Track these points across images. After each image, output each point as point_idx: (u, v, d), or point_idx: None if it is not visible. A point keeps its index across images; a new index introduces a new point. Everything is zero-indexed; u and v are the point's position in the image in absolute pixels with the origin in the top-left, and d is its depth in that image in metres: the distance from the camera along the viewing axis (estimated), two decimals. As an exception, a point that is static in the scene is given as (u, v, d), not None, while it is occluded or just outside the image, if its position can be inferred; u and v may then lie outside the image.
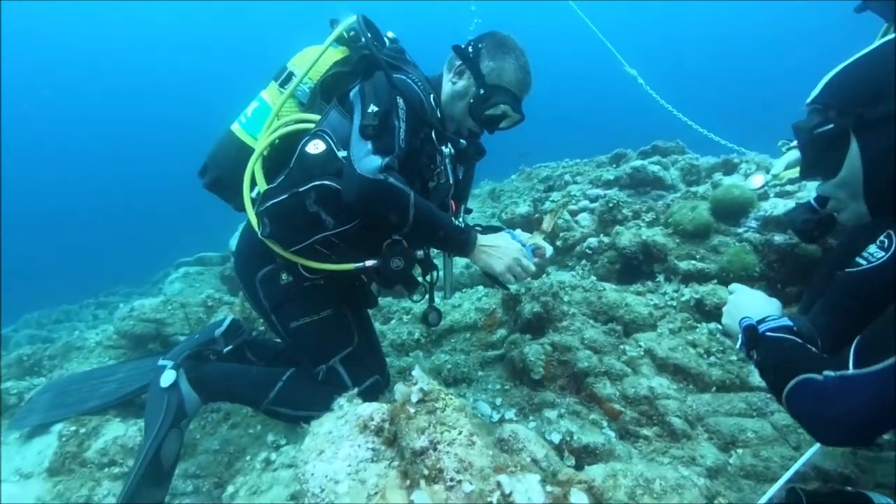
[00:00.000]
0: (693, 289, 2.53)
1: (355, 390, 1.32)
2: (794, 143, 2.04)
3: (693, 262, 2.64)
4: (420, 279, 2.11)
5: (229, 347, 2.21)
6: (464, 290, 3.62)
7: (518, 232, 1.89)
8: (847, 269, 1.24)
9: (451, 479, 0.94)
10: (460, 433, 1.03)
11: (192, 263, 5.73)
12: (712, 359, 2.14)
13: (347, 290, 2.03)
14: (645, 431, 1.90)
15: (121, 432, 1.92)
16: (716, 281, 2.49)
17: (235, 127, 1.98)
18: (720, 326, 2.28)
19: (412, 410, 1.09)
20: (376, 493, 0.98)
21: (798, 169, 1.99)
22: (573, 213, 3.44)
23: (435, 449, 1.00)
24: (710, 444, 1.82)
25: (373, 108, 1.66)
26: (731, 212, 2.76)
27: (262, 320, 2.51)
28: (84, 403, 2.12)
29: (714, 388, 2.06)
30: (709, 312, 2.37)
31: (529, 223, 3.58)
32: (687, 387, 2.09)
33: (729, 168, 3.55)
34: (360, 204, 1.60)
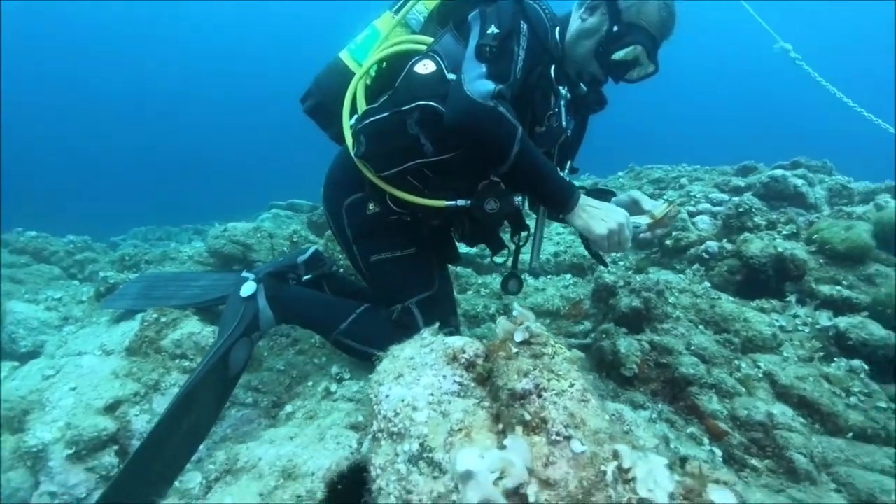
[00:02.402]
0: (829, 317, 2.13)
1: (437, 325, 1.17)
2: None
3: (839, 287, 2.22)
4: (507, 241, 1.94)
5: (308, 276, 2.18)
6: (549, 276, 3.39)
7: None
8: None
9: (558, 434, 0.75)
10: (572, 385, 0.83)
11: (284, 207, 5.97)
12: (853, 399, 1.76)
13: (432, 237, 1.90)
14: (755, 462, 1.60)
15: (197, 329, 1.92)
16: (866, 314, 2.07)
17: (343, 53, 1.90)
18: (866, 367, 1.90)
19: (514, 350, 0.92)
20: (460, 430, 0.82)
21: None
22: (691, 215, 3.07)
23: (540, 395, 0.81)
24: (841, 497, 1.49)
25: (493, 30, 1.50)
26: (899, 238, 2.30)
27: (343, 256, 2.46)
28: (169, 300, 2.16)
29: (850, 435, 1.69)
30: (852, 348, 1.97)
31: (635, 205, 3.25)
32: (813, 425, 1.74)
33: (896, 194, 3.01)
34: (463, 128, 1.45)
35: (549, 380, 0.84)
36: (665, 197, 3.66)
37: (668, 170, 4.80)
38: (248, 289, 1.88)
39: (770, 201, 3.22)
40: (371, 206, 1.82)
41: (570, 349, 0.93)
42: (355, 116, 1.74)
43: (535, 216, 1.87)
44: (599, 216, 1.52)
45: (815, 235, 2.40)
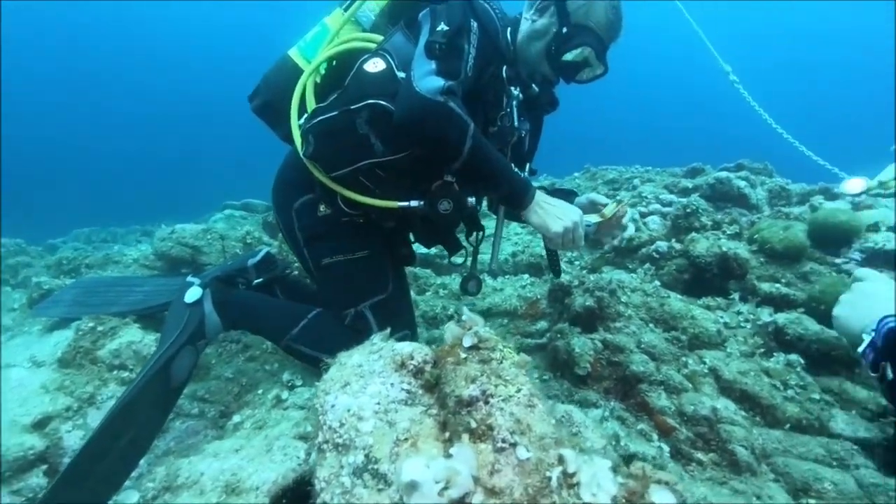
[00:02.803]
0: (769, 313, 2.24)
1: (388, 331, 1.14)
2: None
3: (777, 285, 2.33)
4: (464, 242, 1.94)
5: (260, 280, 2.11)
6: (507, 276, 3.42)
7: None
8: None
9: (504, 441, 0.75)
10: (519, 390, 0.83)
11: (238, 207, 5.78)
12: (790, 392, 1.85)
13: (386, 239, 1.88)
14: (700, 455, 1.65)
15: (137, 338, 1.82)
16: (802, 310, 2.19)
17: (292, 51, 1.86)
18: (802, 361, 2.00)
19: (462, 355, 0.90)
20: (406, 440, 0.80)
21: None
22: (643, 215, 3.16)
23: (487, 402, 0.80)
24: (779, 486, 1.56)
25: (443, 27, 1.49)
26: (831, 238, 2.44)
27: (296, 261, 2.40)
28: (108, 307, 2.05)
29: (787, 426, 1.77)
30: (789, 343, 2.07)
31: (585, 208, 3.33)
32: (754, 418, 1.82)
33: (830, 196, 3.19)
34: (413, 125, 1.43)
35: (496, 385, 0.83)
36: (618, 197, 3.76)
37: (621, 171, 4.94)
38: (193, 294, 1.80)
39: (716, 202, 3.36)
40: (322, 207, 1.78)
41: (518, 353, 0.93)
42: (305, 116, 1.69)
43: (493, 217, 1.88)
44: (555, 213, 1.53)
45: (756, 235, 2.52)
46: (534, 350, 2.34)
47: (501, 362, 0.89)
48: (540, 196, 1.54)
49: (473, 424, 0.77)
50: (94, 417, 1.56)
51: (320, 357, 1.64)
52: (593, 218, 1.63)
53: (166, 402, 1.61)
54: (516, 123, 1.74)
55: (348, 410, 0.87)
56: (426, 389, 0.91)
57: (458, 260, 1.94)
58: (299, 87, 1.72)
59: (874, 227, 2.50)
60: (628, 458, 1.50)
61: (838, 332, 1.05)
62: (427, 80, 1.43)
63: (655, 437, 1.70)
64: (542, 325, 2.57)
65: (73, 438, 1.50)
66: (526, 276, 3.32)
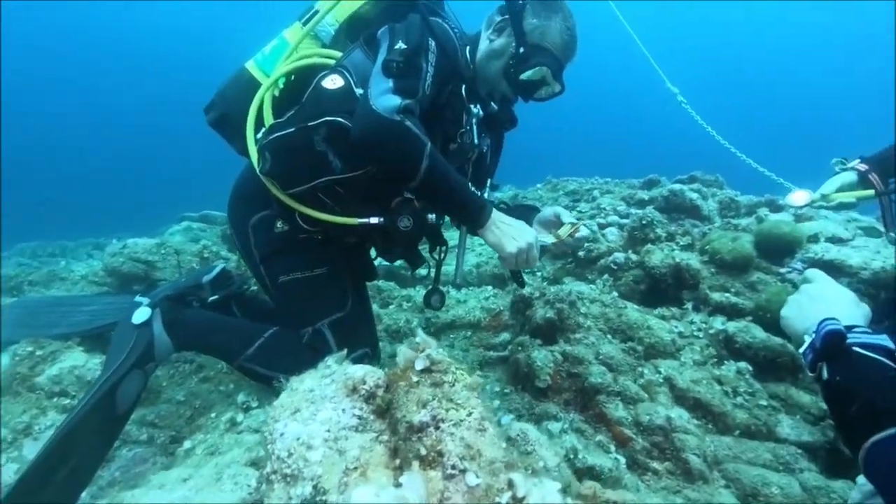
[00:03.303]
0: (722, 322, 2.32)
1: (345, 352, 1.13)
2: (853, 162, 1.81)
3: (727, 294, 2.43)
4: (426, 256, 1.94)
5: (215, 297, 2.04)
6: (471, 288, 3.43)
7: (535, 227, 1.74)
8: None
9: (454, 467, 0.74)
10: (470, 414, 0.83)
11: (196, 219, 5.61)
12: (739, 399, 1.93)
13: (347, 255, 1.86)
14: (655, 465, 1.69)
15: (80, 362, 1.73)
16: (750, 319, 2.28)
17: (249, 63, 1.83)
18: (750, 368, 2.08)
19: (415, 379, 0.90)
20: (356, 469, 0.78)
21: (853, 193, 1.78)
22: (601, 227, 3.24)
23: (437, 427, 0.80)
24: (730, 493, 1.61)
25: (400, 45, 1.50)
26: (775, 249, 2.56)
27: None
28: (51, 328, 1.94)
29: (737, 432, 1.84)
30: (738, 351, 2.15)
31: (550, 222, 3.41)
32: (706, 425, 1.88)
33: (774, 208, 3.35)
34: (368, 143, 1.43)
35: (447, 410, 0.82)
36: (578, 208, 3.85)
37: (582, 182, 5.06)
38: (141, 315, 1.72)
39: (670, 213, 3.48)
40: (279, 224, 1.74)
41: (472, 374, 0.93)
42: (262, 130, 1.66)
43: (458, 230, 1.88)
44: (511, 234, 1.54)
45: (707, 246, 2.62)
46: (496, 363, 2.35)
47: (454, 385, 0.89)
48: (497, 216, 1.56)
49: (423, 451, 0.77)
50: (31, 449, 1.46)
51: (276, 377, 1.61)
52: (548, 238, 1.66)
53: (111, 430, 1.53)
54: (476, 140, 1.75)
55: (297, 439, 0.85)
56: (378, 415, 0.89)
57: (422, 271, 1.93)
58: (256, 102, 1.69)
59: (814, 238, 2.65)
60: (586, 471, 1.52)
61: (786, 332, 1.08)
62: (384, 98, 1.43)
63: (613, 448, 1.73)
64: (505, 336, 2.59)
65: (7, 473, 1.41)
66: (490, 287, 3.34)
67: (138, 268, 3.17)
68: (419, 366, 0.91)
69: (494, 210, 1.57)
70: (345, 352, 1.12)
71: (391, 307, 3.20)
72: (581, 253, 3.04)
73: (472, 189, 1.62)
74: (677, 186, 3.55)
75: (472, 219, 1.55)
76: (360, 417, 0.88)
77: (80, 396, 1.62)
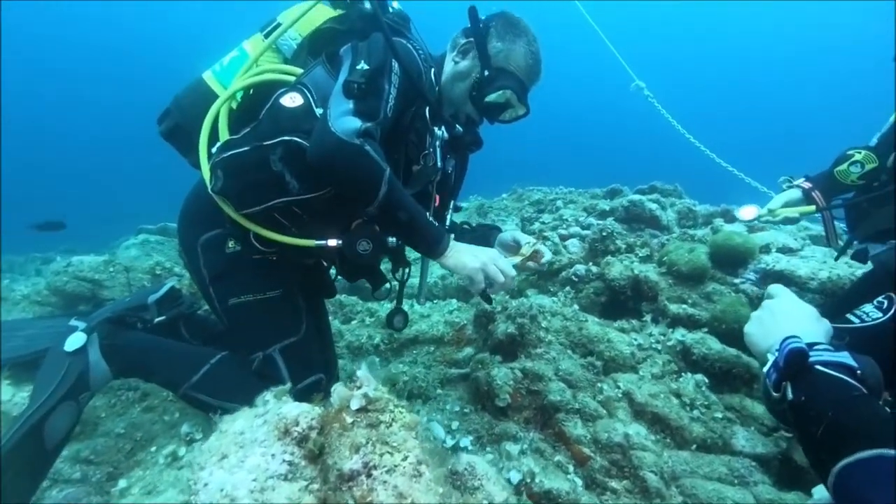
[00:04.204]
0: (681, 334, 2.35)
1: (289, 385, 1.07)
2: (798, 181, 1.95)
3: (684, 306, 2.46)
4: (389, 276, 1.89)
5: (161, 318, 1.93)
6: (435, 301, 3.39)
7: (496, 248, 1.77)
8: (835, 325, 1.04)
9: (383, 521, 0.70)
10: (405, 458, 0.79)
11: (154, 232, 5.38)
12: (695, 412, 1.94)
13: (303, 274, 1.79)
14: (614, 484, 1.68)
15: (6, 397, 1.61)
16: (706, 330, 2.31)
17: (207, 74, 1.75)
18: (706, 380, 2.10)
19: (349, 420, 0.85)
20: (280, 524, 0.73)
21: (797, 209, 1.90)
22: (563, 238, 3.25)
23: (369, 475, 0.76)
24: (686, 508, 1.61)
25: (363, 66, 1.45)
26: (729, 260, 2.61)
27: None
28: (-21, 357, 1.80)
29: (694, 446, 1.85)
30: (695, 363, 2.17)
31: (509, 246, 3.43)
32: (664, 440, 1.88)
33: (729, 218, 3.43)
34: (325, 166, 1.38)
35: (381, 455, 0.78)
36: (541, 219, 3.87)
37: (546, 192, 5.10)
38: (74, 341, 1.61)
39: (630, 223, 3.53)
40: (231, 244, 1.67)
41: (410, 412, 0.89)
42: (217, 145, 1.58)
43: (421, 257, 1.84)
44: (471, 251, 1.52)
45: (665, 258, 2.66)
46: (457, 380, 2.31)
47: (391, 425, 0.85)
48: (454, 244, 1.53)
49: (352, 503, 0.72)
50: (-55, 496, 1.34)
51: (224, 406, 1.53)
52: (512, 261, 1.64)
53: (38, 469, 1.42)
54: (439, 163, 1.72)
55: (221, 490, 0.79)
56: (310, 460, 0.84)
57: (381, 293, 1.89)
58: (211, 115, 1.62)
59: (766, 249, 2.71)
60: (543, 495, 1.50)
61: (750, 349, 1.06)
62: (343, 120, 1.38)
63: (572, 468, 1.72)
64: (469, 351, 2.56)
65: (-84, 523, 1.29)
66: (454, 300, 3.31)
67: (84, 287, 3.01)
68: (355, 405, 0.87)
69: (452, 239, 1.54)
70: (288, 385, 1.07)
71: (353, 322, 3.13)
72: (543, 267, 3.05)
73: (430, 219, 1.59)
74: (637, 197, 3.61)
75: (427, 247, 1.51)
76: (290, 464, 0.83)
77: (3, 432, 1.50)
